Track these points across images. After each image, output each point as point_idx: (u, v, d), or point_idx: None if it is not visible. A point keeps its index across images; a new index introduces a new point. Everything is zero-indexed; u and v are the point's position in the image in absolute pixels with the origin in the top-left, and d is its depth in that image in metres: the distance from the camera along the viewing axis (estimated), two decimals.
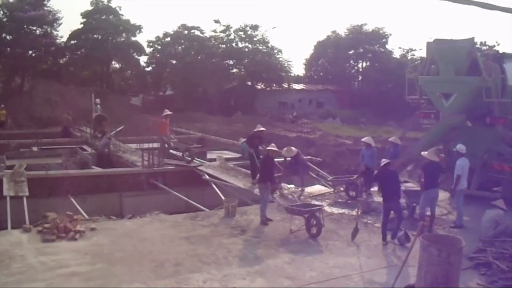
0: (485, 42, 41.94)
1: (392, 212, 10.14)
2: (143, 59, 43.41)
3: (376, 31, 49.59)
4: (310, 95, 48.79)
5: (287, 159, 14.46)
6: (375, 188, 12.98)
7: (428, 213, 10.80)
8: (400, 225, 10.14)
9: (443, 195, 12.42)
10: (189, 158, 16.98)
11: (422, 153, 11.01)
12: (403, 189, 12.74)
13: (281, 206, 11.99)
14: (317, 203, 12.44)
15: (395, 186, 10.12)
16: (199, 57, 42.77)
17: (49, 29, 36.52)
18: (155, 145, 18.39)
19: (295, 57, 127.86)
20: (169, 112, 18.20)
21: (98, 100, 26.11)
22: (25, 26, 34.54)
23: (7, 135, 24.83)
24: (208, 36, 44.42)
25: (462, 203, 11.32)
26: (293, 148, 14.70)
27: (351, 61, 51.76)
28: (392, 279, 7.47)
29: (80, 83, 37.87)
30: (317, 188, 14.87)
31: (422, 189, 10.77)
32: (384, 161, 10.28)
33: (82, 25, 38.18)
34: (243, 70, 44.81)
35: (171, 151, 18.42)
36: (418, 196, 11.67)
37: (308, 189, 14.50)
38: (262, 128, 15.28)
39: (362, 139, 14.44)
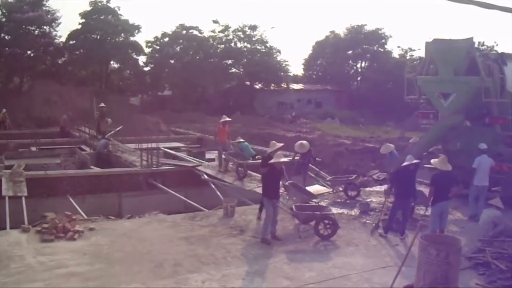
0: (484, 42, 42.01)
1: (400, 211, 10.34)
2: (141, 59, 43.46)
3: (375, 31, 49.61)
4: (309, 95, 48.78)
5: (296, 157, 14.16)
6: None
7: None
8: (407, 221, 10.40)
9: None
10: (242, 175, 15.15)
11: (432, 161, 10.13)
12: None
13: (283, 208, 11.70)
14: (322, 204, 12.26)
15: (412, 185, 10.40)
16: (198, 57, 42.79)
17: (47, 29, 36.50)
18: (153, 145, 18.35)
19: (294, 57, 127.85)
20: (227, 118, 16.32)
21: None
22: (23, 26, 34.51)
23: (5, 135, 24.80)
24: (206, 36, 44.44)
25: (474, 197, 11.54)
26: (304, 142, 14.13)
27: (350, 61, 51.76)
28: (391, 279, 7.46)
29: (79, 83, 37.87)
30: (316, 188, 14.84)
31: (430, 203, 9.90)
32: (410, 159, 10.27)
33: (80, 25, 38.15)
34: (241, 70, 44.80)
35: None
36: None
37: (308, 189, 14.46)
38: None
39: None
